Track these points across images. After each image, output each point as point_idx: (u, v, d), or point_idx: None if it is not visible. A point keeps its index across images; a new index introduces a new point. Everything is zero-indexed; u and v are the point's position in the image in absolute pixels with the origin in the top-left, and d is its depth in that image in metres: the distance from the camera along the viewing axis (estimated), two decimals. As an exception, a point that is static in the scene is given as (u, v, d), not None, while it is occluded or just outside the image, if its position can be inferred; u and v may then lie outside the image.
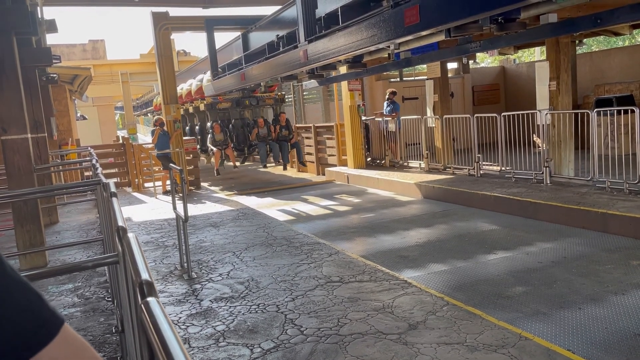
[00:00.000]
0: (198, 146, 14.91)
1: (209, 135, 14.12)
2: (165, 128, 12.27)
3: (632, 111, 8.01)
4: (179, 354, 0.83)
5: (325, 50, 6.77)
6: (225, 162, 14.37)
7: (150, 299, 1.09)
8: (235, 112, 15.51)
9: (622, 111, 9.00)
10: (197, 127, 16.16)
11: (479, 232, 7.53)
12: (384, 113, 13.22)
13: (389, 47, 6.13)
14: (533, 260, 5.98)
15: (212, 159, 14.70)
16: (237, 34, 12.24)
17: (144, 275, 1.32)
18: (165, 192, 12.38)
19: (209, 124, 14.84)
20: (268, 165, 14.66)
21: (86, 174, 11.68)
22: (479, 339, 3.70)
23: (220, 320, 4.40)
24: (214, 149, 13.94)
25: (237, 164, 14.59)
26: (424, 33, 5.45)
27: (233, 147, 14.28)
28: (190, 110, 16.80)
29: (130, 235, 1.79)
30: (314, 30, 7.20)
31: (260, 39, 10.60)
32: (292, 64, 7.79)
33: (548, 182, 9.04)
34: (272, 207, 10.49)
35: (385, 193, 11.09)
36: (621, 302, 4.61)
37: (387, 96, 13.25)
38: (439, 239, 7.28)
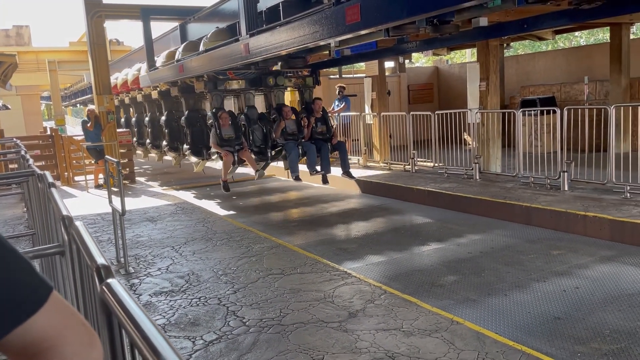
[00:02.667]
0: (134, 139, 14.07)
1: (212, 131, 9.31)
2: (92, 119, 11.82)
3: (554, 111, 8.59)
4: (150, 327, 0.88)
5: (267, 44, 6.80)
6: (217, 167, 11.11)
7: (111, 281, 1.12)
8: (183, 101, 11.20)
9: (544, 111, 9.61)
10: (133, 119, 14.60)
11: (414, 225, 7.83)
12: (334, 109, 13.17)
13: (330, 44, 6.25)
14: (463, 250, 6.31)
15: (205, 164, 10.88)
16: (175, 24, 11.98)
17: (100, 260, 1.34)
18: (98, 186, 11.93)
19: (184, 119, 10.76)
20: (304, 174, 9.69)
21: (11, 166, 11.03)
22: (414, 324, 3.90)
23: (160, 314, 4.36)
24: (220, 151, 9.27)
25: (256, 173, 9.87)
26: (364, 32, 5.61)
27: (250, 149, 9.60)
28: (127, 101, 15.13)
29: (78, 223, 1.79)
30: (256, 24, 7.21)
31: (199, 30, 10.44)
32: (233, 57, 7.75)
33: (477, 177, 9.52)
34: (211, 201, 10.39)
35: (325, 188, 11.25)
36: (543, 288, 4.98)
37: (337, 92, 13.20)
38: (376, 232, 7.50)
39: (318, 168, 9.51)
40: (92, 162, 12.31)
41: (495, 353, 3.41)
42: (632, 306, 4.42)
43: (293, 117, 9.72)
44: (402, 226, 7.75)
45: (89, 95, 20.04)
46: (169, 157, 13.19)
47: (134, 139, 14.16)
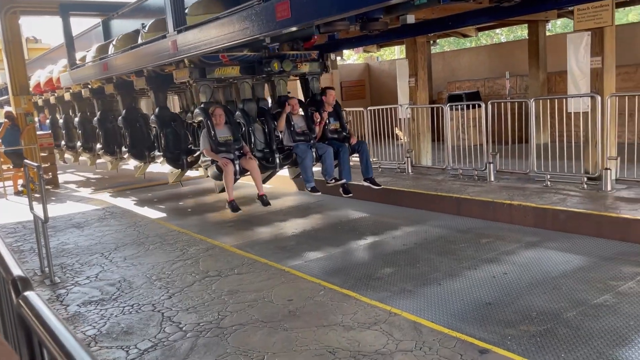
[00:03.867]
0: (63, 142, 12.94)
1: (204, 133, 7.02)
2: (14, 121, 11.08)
3: (479, 106, 8.96)
4: (71, 340, 0.81)
5: (196, 41, 6.61)
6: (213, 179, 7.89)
7: (28, 293, 1.04)
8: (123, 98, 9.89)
9: (470, 106, 10.00)
10: (60, 120, 13.24)
11: (351, 220, 7.92)
12: None
13: (264, 40, 6.17)
14: (399, 243, 6.45)
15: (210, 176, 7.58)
16: (98, 20, 11.43)
17: (16, 271, 1.24)
18: (17, 193, 11.20)
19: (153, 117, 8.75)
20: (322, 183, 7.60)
21: None
22: (353, 318, 3.93)
23: (90, 325, 4.15)
24: (217, 159, 6.91)
25: (261, 198, 7.33)
26: (294, 28, 5.59)
27: (245, 155, 7.16)
28: (52, 100, 13.50)
29: (-8, 233, 1.65)
30: (184, 20, 7.00)
31: (123, 27, 10.02)
32: (160, 54, 7.48)
33: (410, 171, 9.77)
34: (142, 205, 10.02)
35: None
36: (474, 275, 5.18)
37: None
38: (314, 229, 7.52)
39: (335, 174, 7.46)
40: (10, 167, 11.53)
41: (431, 341, 3.50)
42: (556, 288, 4.69)
43: (300, 111, 7.63)
44: (338, 222, 7.81)
45: (5, 97, 18.68)
46: (103, 160, 12.03)
47: (62, 142, 13.18)
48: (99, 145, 11.14)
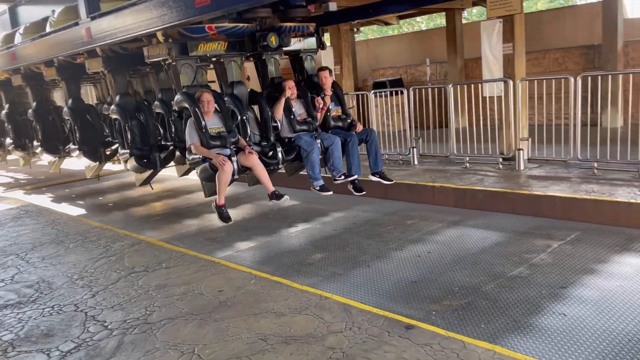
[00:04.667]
0: (9, 139, 10.97)
1: (190, 124, 5.62)
2: None
3: (402, 92, 9.21)
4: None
5: (111, 28, 6.31)
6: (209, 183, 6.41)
7: None
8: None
9: (393, 92, 10.26)
10: (3, 113, 10.96)
11: (281, 208, 7.93)
12: None
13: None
14: (329, 229, 6.55)
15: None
16: (4, 7, 10.63)
17: None
18: None
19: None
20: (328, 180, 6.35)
21: None
22: (285, 304, 3.97)
23: (7, 330, 3.91)
24: (211, 157, 5.54)
25: (274, 197, 5.96)
26: (214, 15, 5.46)
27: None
28: None
29: None
30: (97, 6, 6.65)
31: (32, 14, 9.37)
32: (73, 42, 7.08)
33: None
34: (60, 202, 9.51)
35: (187, 179, 10.89)
36: (400, 256, 5.36)
37: None
38: (244, 219, 7.47)
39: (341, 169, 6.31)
40: None
41: (360, 321, 3.60)
42: (476, 263, 4.95)
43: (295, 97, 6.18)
44: (269, 210, 7.80)
45: None
46: (15, 157, 11.06)
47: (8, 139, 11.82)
48: (8, 141, 10.34)
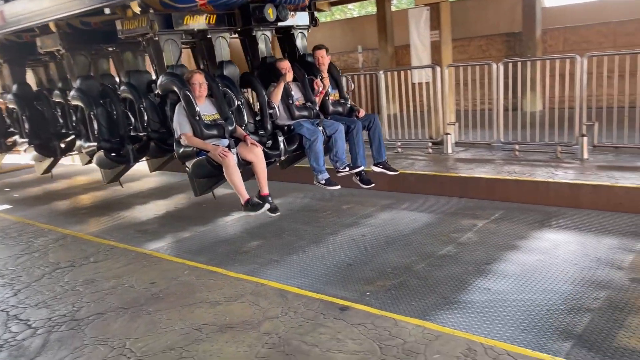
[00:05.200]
0: None
1: (179, 111, 4.76)
2: None
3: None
4: None
5: (26, 12, 5.93)
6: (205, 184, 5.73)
7: None
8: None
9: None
10: None
11: (217, 197, 7.80)
12: None
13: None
14: (265, 216, 6.46)
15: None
16: None
17: None
18: None
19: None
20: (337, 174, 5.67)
21: None
22: (220, 293, 3.93)
23: None
24: (208, 149, 4.72)
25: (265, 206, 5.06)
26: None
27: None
28: None
29: None
30: (10, -13, 6.22)
31: None
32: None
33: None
34: (-23, 198, 8.90)
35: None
36: (336, 240, 5.44)
37: None
38: (177, 209, 7.31)
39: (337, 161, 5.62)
40: None
41: (296, 306, 3.63)
42: (408, 244, 5.11)
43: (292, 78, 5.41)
44: (204, 200, 7.63)
45: None
46: None
47: None
48: None
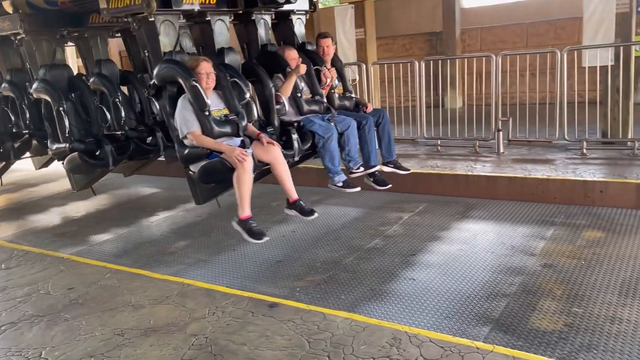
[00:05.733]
0: None
1: (182, 103, 4.07)
2: None
3: (262, 75, 9.20)
4: None
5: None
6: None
7: None
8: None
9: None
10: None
11: (141, 197, 7.55)
12: None
13: None
14: (192, 215, 6.38)
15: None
16: None
17: None
18: None
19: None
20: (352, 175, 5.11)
21: None
22: (144, 296, 3.80)
23: None
24: (222, 149, 4.05)
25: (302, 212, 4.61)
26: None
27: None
28: None
29: None
30: None
31: None
32: None
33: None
34: None
35: (27, 170, 9.86)
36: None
37: None
38: (99, 210, 6.98)
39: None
40: None
41: (224, 305, 3.58)
42: (337, 239, 5.17)
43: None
44: (127, 200, 7.38)
45: None
46: None
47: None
48: None
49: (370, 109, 5.21)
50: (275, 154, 4.20)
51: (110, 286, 4.01)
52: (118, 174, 8.40)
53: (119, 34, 5.99)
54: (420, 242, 4.89)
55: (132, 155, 5.46)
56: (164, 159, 5.47)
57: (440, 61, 7.76)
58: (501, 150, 6.97)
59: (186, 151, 4.12)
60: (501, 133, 6.99)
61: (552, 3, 10.88)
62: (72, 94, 5.33)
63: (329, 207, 6.29)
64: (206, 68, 4.07)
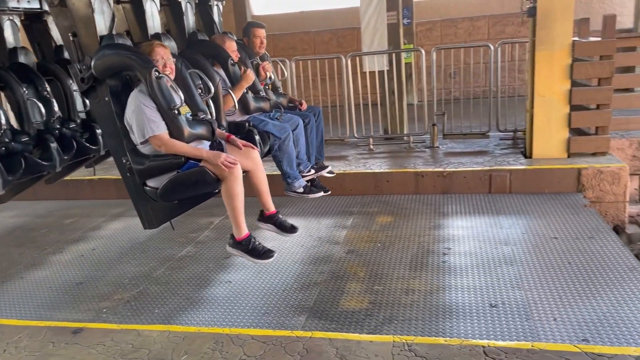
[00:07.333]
0: None
1: (140, 99, 3.01)
2: None
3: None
4: None
5: None
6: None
7: None
8: None
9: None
10: None
11: None
12: None
13: None
14: (-38, 244, 5.41)
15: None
16: None
17: None
18: None
19: None
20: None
21: None
22: None
23: None
24: (201, 156, 3.14)
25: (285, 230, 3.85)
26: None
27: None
28: None
29: None
30: None
31: None
32: None
33: None
34: None
35: None
36: (60, 259, 4.86)
37: None
38: None
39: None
40: None
41: (17, 339, 3.12)
42: (145, 251, 4.90)
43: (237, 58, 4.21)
44: None
45: None
46: None
47: None
48: None
49: (305, 106, 4.83)
50: (256, 159, 3.54)
51: None
52: None
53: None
54: (233, 244, 4.90)
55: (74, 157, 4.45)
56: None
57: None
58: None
59: (146, 162, 3.19)
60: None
61: (333, 13, 11.90)
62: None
63: (133, 219, 5.87)
64: (163, 54, 3.22)
